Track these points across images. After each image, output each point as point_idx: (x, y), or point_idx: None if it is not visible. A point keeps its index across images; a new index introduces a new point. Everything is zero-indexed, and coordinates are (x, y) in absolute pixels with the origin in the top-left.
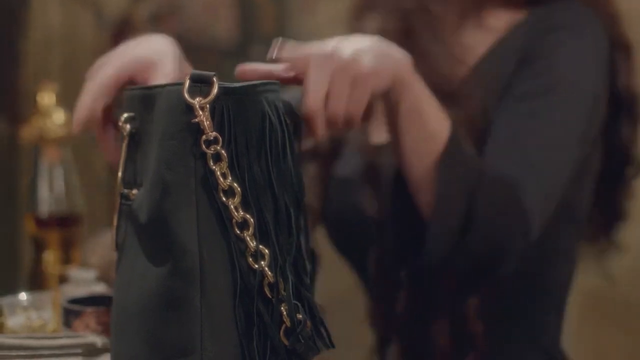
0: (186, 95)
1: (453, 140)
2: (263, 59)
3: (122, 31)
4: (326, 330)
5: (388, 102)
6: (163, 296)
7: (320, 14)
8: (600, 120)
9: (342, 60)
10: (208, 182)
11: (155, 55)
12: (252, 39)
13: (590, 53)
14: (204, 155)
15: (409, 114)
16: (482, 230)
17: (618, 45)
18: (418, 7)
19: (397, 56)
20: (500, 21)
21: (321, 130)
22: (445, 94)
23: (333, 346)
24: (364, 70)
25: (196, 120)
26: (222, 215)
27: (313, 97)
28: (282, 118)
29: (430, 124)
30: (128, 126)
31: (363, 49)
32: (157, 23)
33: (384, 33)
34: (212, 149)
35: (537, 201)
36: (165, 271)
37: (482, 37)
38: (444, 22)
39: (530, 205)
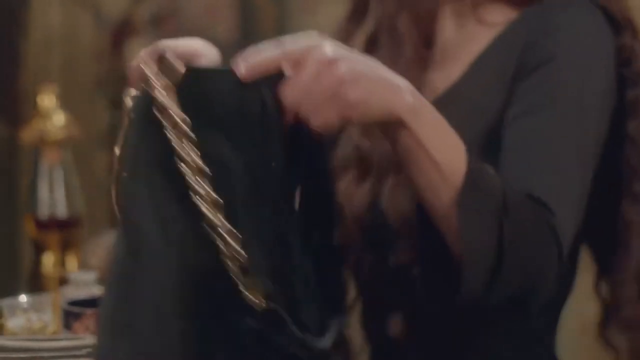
0: (151, 77)
1: (471, 173)
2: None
3: (122, 32)
4: (302, 318)
5: (387, 136)
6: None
7: (321, 14)
8: (610, 116)
9: (339, 74)
10: (174, 162)
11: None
12: (252, 40)
13: (594, 49)
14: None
15: (413, 151)
16: (516, 260)
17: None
18: (400, 11)
19: (396, 86)
20: (499, 17)
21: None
22: (437, 97)
23: (302, 334)
24: (351, 97)
25: (161, 101)
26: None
27: (293, 89)
28: (263, 102)
29: (441, 159)
30: (130, 102)
31: (364, 72)
32: (157, 24)
33: (372, 38)
34: (179, 130)
35: (566, 218)
36: (122, 252)
37: (480, 32)
38: (432, 23)
39: (560, 224)
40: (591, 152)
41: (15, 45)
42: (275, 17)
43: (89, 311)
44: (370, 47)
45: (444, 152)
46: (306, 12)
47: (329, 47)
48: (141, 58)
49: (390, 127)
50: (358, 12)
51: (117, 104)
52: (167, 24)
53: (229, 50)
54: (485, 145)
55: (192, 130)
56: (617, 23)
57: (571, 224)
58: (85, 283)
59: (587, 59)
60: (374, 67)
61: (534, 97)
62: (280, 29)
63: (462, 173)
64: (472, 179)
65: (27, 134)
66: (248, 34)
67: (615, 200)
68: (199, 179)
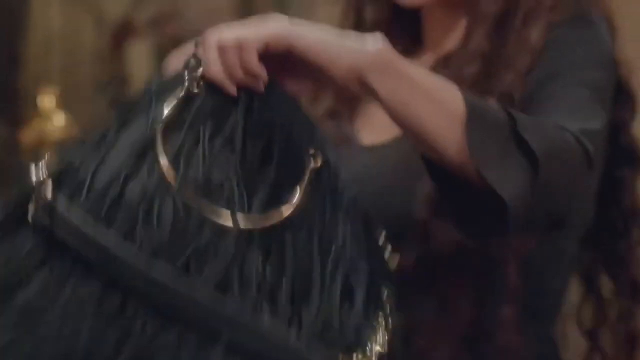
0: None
1: (469, 98)
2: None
3: (122, 34)
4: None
5: (366, 89)
6: None
7: (320, 18)
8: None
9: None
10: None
11: None
12: None
13: (598, 40)
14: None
15: (399, 90)
16: (548, 172)
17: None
18: None
19: (354, 46)
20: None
21: (230, 88)
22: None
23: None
24: (247, 35)
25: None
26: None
27: (208, 64)
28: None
29: (433, 89)
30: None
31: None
32: (157, 26)
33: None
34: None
35: (588, 133)
36: None
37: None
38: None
39: (581, 135)
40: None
41: (16, 46)
42: None
43: None
44: None
45: (435, 86)
46: (306, 16)
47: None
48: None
49: (362, 86)
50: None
51: (117, 104)
52: (167, 26)
53: None
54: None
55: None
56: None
57: (601, 139)
58: None
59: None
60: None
61: (555, 66)
62: None
63: (463, 108)
64: (473, 109)
65: (27, 135)
66: None
67: None
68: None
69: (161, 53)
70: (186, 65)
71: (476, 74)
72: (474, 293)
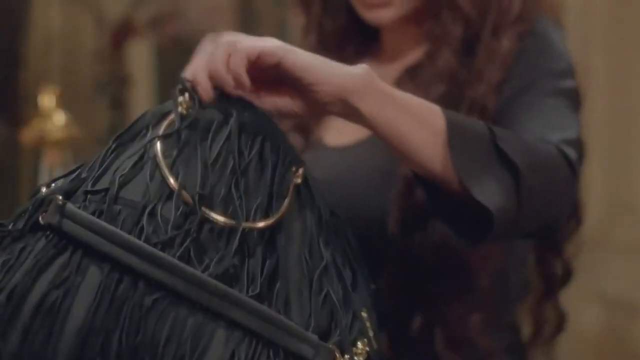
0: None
1: (449, 114)
2: None
3: (122, 34)
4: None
5: (348, 111)
6: None
7: None
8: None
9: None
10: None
11: None
12: None
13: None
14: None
15: (382, 111)
16: (529, 183)
17: None
18: None
19: (341, 69)
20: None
21: (206, 93)
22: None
23: None
24: (242, 43)
25: None
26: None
27: (192, 65)
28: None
29: (414, 108)
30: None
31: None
32: (157, 26)
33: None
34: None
35: (569, 143)
36: None
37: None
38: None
39: (562, 144)
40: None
41: (16, 46)
42: (276, 19)
43: None
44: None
45: (415, 105)
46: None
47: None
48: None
49: (345, 101)
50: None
51: (117, 104)
52: (167, 25)
53: None
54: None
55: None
56: None
57: (579, 146)
58: None
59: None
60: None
61: (526, 78)
62: (281, 31)
63: (442, 119)
64: (453, 126)
65: (28, 135)
66: (249, 35)
67: None
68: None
69: (161, 52)
70: (177, 90)
71: (444, 93)
72: (451, 296)
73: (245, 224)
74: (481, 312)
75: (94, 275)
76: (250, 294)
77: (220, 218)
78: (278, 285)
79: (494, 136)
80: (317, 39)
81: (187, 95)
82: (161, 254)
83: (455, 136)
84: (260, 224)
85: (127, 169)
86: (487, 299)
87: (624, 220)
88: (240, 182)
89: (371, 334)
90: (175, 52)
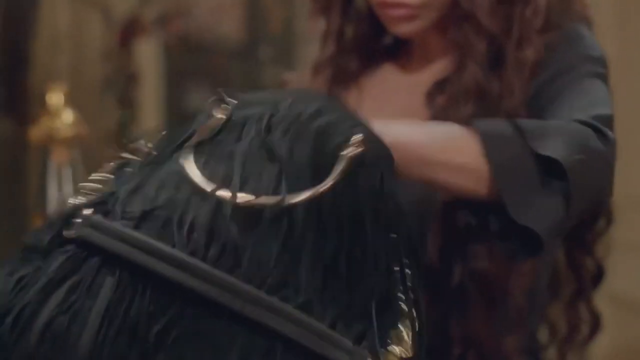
0: None
1: (483, 131)
2: (270, 59)
3: (129, 32)
4: None
5: None
6: None
7: None
8: None
9: None
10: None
11: None
12: (259, 40)
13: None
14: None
15: (414, 170)
16: (579, 187)
17: None
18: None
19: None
20: None
21: None
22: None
23: None
24: None
25: None
26: None
27: None
28: None
29: (448, 156)
30: None
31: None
32: (164, 24)
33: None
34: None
35: (605, 120)
36: None
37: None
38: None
39: (597, 122)
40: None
41: (24, 45)
42: (283, 17)
43: None
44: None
45: (435, 136)
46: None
47: None
48: None
49: None
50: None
51: (124, 102)
52: (174, 23)
53: (236, 50)
54: None
55: None
56: None
57: (613, 123)
58: None
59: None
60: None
61: (558, 67)
62: (287, 29)
63: (477, 147)
64: (487, 134)
65: (36, 133)
66: (255, 33)
67: None
68: None
69: (168, 50)
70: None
71: (474, 108)
72: (487, 318)
73: (287, 198)
74: (516, 331)
75: (106, 291)
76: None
77: (257, 200)
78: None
79: (529, 143)
80: (336, 46)
81: (218, 107)
82: (193, 259)
83: (493, 159)
84: (302, 196)
85: (158, 185)
86: (521, 317)
87: (633, 218)
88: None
89: (409, 339)
90: (183, 50)
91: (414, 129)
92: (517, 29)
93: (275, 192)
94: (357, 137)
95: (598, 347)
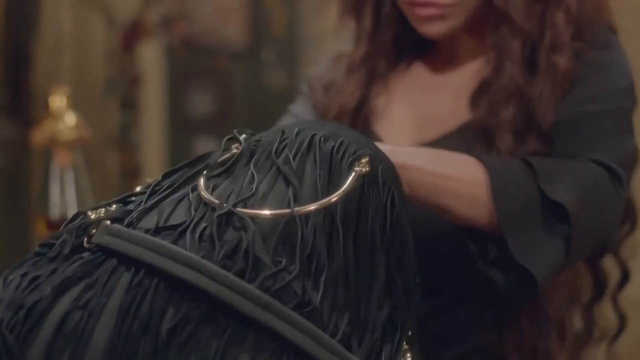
0: None
1: (492, 165)
2: (274, 62)
3: (132, 34)
4: None
5: None
6: None
7: (331, 16)
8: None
9: None
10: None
11: None
12: (262, 42)
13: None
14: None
15: (421, 190)
16: (582, 229)
17: None
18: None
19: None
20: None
21: None
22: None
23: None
24: None
25: None
26: None
27: None
28: None
29: (449, 171)
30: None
31: None
32: (167, 26)
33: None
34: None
35: (616, 164)
36: None
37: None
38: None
39: (612, 162)
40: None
41: (27, 47)
42: (286, 19)
43: None
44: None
45: (449, 180)
46: (317, 15)
47: None
48: None
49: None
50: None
51: (127, 104)
52: (177, 25)
53: (239, 52)
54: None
55: None
56: None
57: (630, 161)
58: None
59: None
60: None
61: (583, 93)
62: (291, 31)
63: (485, 180)
64: (495, 171)
65: (38, 135)
66: (258, 35)
67: None
68: None
69: (171, 52)
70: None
71: (514, 113)
72: (528, 325)
73: (297, 209)
74: (552, 336)
75: (121, 289)
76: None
77: (266, 212)
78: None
79: (542, 181)
80: (367, 49)
81: (230, 145)
82: (205, 261)
83: (499, 193)
84: (312, 207)
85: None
86: (559, 322)
87: None
88: (286, 174)
89: (411, 355)
90: (186, 52)
91: (423, 153)
92: (550, 33)
93: (285, 206)
94: (367, 156)
95: (622, 346)
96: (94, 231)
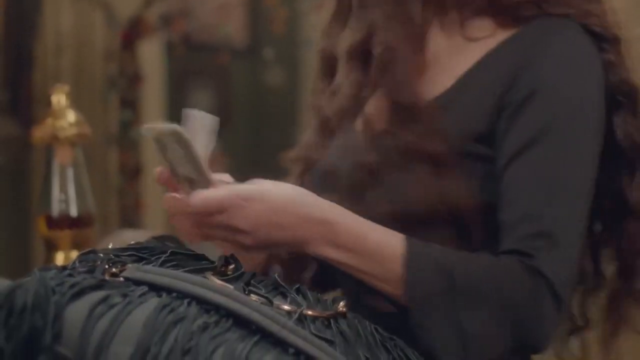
0: None
1: (410, 248)
2: (273, 60)
3: (133, 33)
4: None
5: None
6: None
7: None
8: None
9: (236, 228)
10: None
11: None
12: (262, 40)
13: (582, 75)
14: None
15: (339, 256)
16: (513, 328)
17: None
18: (386, 16)
19: (295, 222)
20: (486, 34)
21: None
22: (406, 107)
23: None
24: (245, 244)
25: None
26: None
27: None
28: None
29: (371, 250)
30: None
31: (264, 220)
32: (167, 24)
33: (351, 48)
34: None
35: (571, 247)
36: None
37: (466, 48)
38: (416, 32)
39: (554, 275)
40: (590, 176)
41: (28, 46)
42: (286, 17)
43: None
44: (355, 57)
45: (372, 236)
46: (316, 13)
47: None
48: None
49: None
50: (341, 14)
51: (127, 102)
52: (177, 24)
53: (239, 50)
54: (472, 150)
55: None
56: (601, 39)
57: (574, 252)
58: None
59: (574, 88)
60: (273, 236)
61: (527, 134)
62: (290, 28)
63: (399, 268)
64: (413, 250)
65: (39, 134)
66: (258, 33)
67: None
68: None
69: (171, 50)
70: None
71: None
72: None
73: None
74: None
75: (151, 304)
76: None
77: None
78: None
79: (456, 308)
80: (366, 31)
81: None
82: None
83: (413, 286)
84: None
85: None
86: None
87: None
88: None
89: None
90: (186, 50)
91: (348, 216)
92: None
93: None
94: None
95: (622, 346)
96: (124, 269)
